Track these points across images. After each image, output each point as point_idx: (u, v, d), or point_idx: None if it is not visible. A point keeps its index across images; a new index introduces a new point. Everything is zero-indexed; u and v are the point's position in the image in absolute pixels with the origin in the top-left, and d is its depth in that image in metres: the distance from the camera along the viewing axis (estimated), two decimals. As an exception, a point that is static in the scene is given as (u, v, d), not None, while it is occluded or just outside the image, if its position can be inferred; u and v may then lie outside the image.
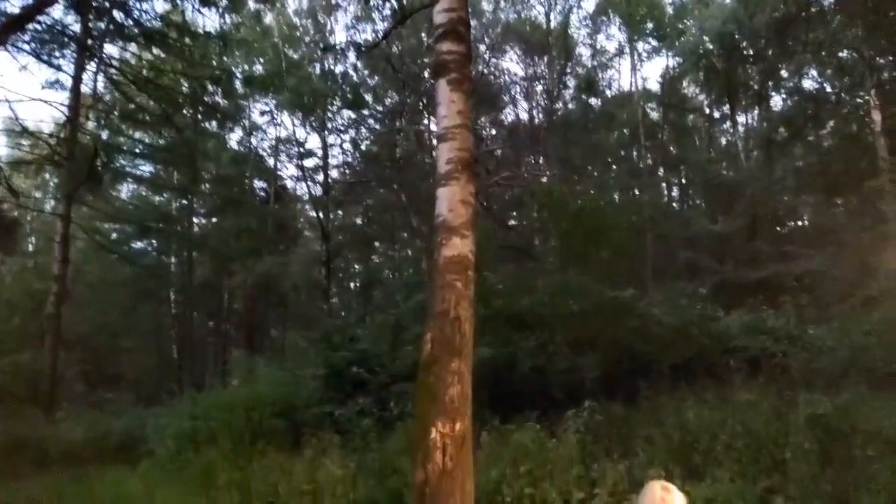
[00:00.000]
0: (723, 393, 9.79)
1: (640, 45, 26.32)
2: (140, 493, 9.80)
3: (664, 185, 26.81)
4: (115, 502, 9.01)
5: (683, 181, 27.63)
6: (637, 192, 21.25)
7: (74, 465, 11.47)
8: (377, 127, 24.94)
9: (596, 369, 11.41)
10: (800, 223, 23.16)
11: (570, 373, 11.62)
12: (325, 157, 25.76)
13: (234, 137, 28.14)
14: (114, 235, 25.38)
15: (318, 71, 25.02)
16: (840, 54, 19.74)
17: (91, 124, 18.65)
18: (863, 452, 6.84)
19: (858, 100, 20.33)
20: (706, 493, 6.51)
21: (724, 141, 28.13)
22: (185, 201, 25.95)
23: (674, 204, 27.26)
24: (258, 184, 27.47)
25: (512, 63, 26.68)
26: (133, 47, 18.66)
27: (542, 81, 26.33)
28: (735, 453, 7.65)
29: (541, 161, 23.39)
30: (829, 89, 22.16)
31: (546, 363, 12.00)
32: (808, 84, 23.12)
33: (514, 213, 23.50)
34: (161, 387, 19.98)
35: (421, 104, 22.53)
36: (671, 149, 27.32)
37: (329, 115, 25.23)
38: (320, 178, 26.44)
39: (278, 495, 8.28)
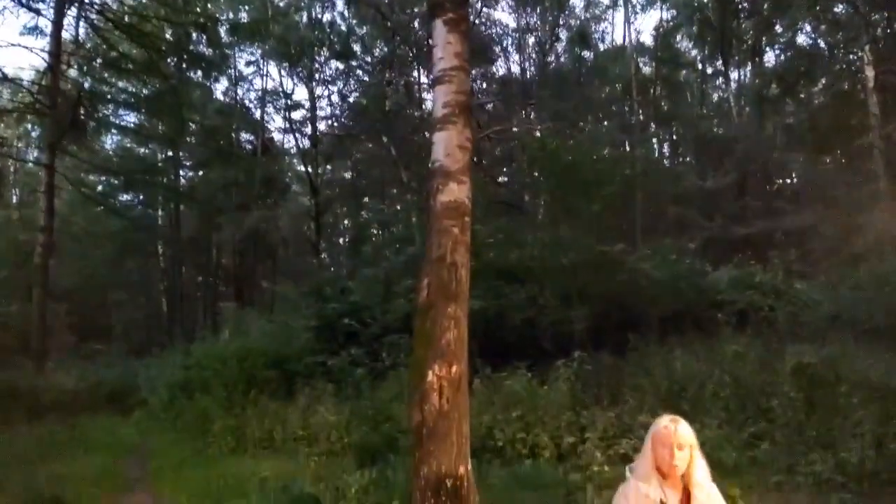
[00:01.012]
0: (710, 344, 9.98)
1: (635, -3, 25.76)
2: (135, 440, 9.92)
3: (655, 141, 26.65)
4: (110, 449, 9.07)
5: (674, 137, 27.52)
6: (628, 147, 21.10)
7: (67, 413, 11.51)
8: (366, 78, 24.43)
9: (585, 321, 11.52)
10: (789, 181, 23.21)
11: (559, 325, 11.73)
12: (313, 109, 25.30)
13: (219, 88, 27.55)
14: (99, 188, 24.96)
15: (304, 19, 24.33)
16: (835, 9, 19.47)
17: (73, 72, 18.08)
18: (847, 400, 7.00)
19: (852, 56, 20.16)
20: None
21: (716, 97, 27.96)
22: (170, 153, 25.45)
23: (664, 161, 27.18)
24: (245, 136, 26.99)
25: (504, 14, 26.12)
26: (115, -9, 17.99)
27: (534, 33, 25.81)
28: (722, 401, 7.83)
29: (532, 116, 23.09)
30: (822, 45, 21.94)
31: (536, 315, 12.11)
32: (802, 40, 22.88)
33: (505, 170, 23.35)
34: (151, 339, 20.03)
35: (411, 54, 22.03)
36: (663, 105, 27.08)
37: (316, 65, 24.66)
38: (308, 130, 26.03)
39: (273, 440, 8.41)
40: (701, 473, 3.08)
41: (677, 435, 3.04)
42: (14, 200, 26.22)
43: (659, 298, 12.39)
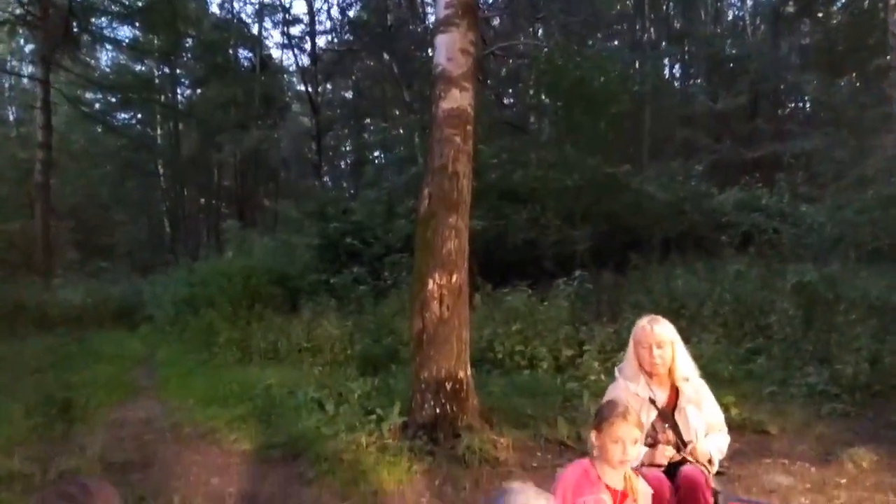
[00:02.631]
0: (713, 264, 10.00)
1: None
2: (142, 352, 10.14)
3: (666, 60, 25.77)
4: (118, 359, 9.28)
5: (686, 57, 26.59)
6: (638, 66, 20.42)
7: (75, 327, 11.73)
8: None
9: (587, 242, 11.51)
10: (801, 104, 22.61)
11: (561, 245, 11.74)
12: (312, 23, 24.27)
13: (215, 1, 26.47)
14: (97, 106, 24.45)
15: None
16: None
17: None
18: (846, 317, 7.05)
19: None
20: (691, 352, 6.75)
21: (730, 15, 26.82)
22: (167, 70, 24.77)
23: (675, 82, 26.39)
24: (243, 53, 26.17)
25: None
26: None
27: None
28: (721, 318, 7.90)
29: (540, 33, 22.21)
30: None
31: (538, 236, 12.09)
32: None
33: (511, 90, 22.69)
34: (155, 259, 20.15)
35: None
36: (676, 23, 26.00)
37: (315, -24, 23.52)
38: (307, 47, 25.16)
39: (278, 352, 8.57)
40: (685, 368, 3.09)
41: (654, 334, 3.04)
42: (11, 118, 25.77)
43: (663, 220, 12.33)
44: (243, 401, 6.26)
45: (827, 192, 13.37)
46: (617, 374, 3.20)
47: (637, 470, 2.88)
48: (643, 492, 2.47)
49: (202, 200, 28.49)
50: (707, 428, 3.06)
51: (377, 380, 6.49)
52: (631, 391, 3.04)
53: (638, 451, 2.47)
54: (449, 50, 5.42)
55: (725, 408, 5.00)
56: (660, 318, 3.11)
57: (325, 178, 26.77)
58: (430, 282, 5.00)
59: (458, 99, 5.39)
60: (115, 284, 16.25)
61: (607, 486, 2.42)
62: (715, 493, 2.89)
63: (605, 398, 3.12)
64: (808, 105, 22.77)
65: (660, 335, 3.01)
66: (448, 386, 4.88)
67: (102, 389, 7.14)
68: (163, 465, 4.78)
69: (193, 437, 5.44)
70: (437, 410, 4.86)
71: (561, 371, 6.72)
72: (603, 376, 5.83)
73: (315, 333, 8.61)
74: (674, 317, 7.95)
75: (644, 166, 15.53)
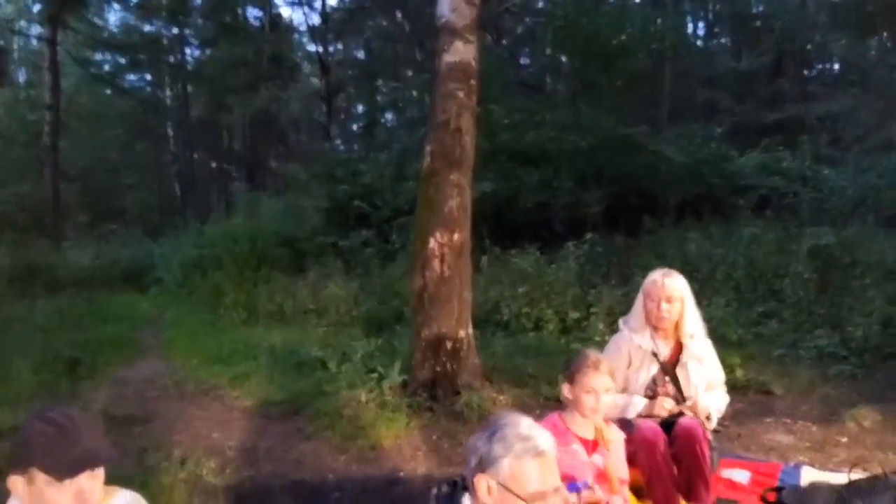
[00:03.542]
0: (728, 228, 9.77)
1: None
2: (150, 313, 10.21)
3: (689, 18, 24.96)
4: (126, 320, 9.34)
5: (710, 16, 25.74)
6: (659, 23, 19.79)
7: (84, 289, 11.78)
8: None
9: (599, 204, 11.29)
10: (827, 65, 21.87)
11: (572, 208, 11.52)
12: (323, -21, 23.78)
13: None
14: (105, 68, 24.29)
15: None
16: None
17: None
18: (861, 281, 6.88)
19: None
20: (701, 314, 6.62)
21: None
22: (175, 30, 24.47)
23: (698, 42, 25.62)
24: (252, 12, 25.71)
25: None
26: None
27: None
28: (734, 282, 7.75)
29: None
30: None
31: (549, 199, 11.87)
32: None
33: (526, 50, 22.15)
34: (165, 222, 20.17)
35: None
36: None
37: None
38: (318, 4, 24.66)
39: (284, 313, 8.57)
40: (692, 325, 3.00)
41: (666, 288, 2.94)
42: (20, 80, 25.70)
43: (679, 183, 12.04)
44: (247, 360, 6.29)
45: (850, 155, 12.96)
46: (622, 325, 3.14)
47: (631, 421, 2.83)
48: (614, 440, 2.44)
49: (212, 164, 28.44)
50: (707, 386, 3.03)
51: (381, 340, 6.47)
52: (634, 343, 2.99)
53: (611, 400, 2.44)
54: (452, 0, 5.20)
55: (731, 369, 4.93)
56: (673, 272, 3.02)
57: (336, 141, 26.55)
58: (432, 240, 4.90)
59: (461, 52, 5.19)
60: (125, 247, 16.30)
61: (577, 437, 2.41)
62: (711, 449, 2.84)
63: (607, 348, 3.06)
64: (835, 66, 22.04)
65: (671, 289, 2.93)
66: (448, 345, 4.82)
67: (109, 348, 7.19)
68: (165, 419, 4.82)
69: (196, 394, 5.48)
70: (437, 369, 4.82)
71: (567, 333, 6.66)
72: (608, 337, 5.74)
73: (321, 295, 8.59)
74: (687, 280, 7.90)
75: (663, 128, 15.14)
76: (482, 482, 1.44)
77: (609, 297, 7.06)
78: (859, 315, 6.07)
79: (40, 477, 1.37)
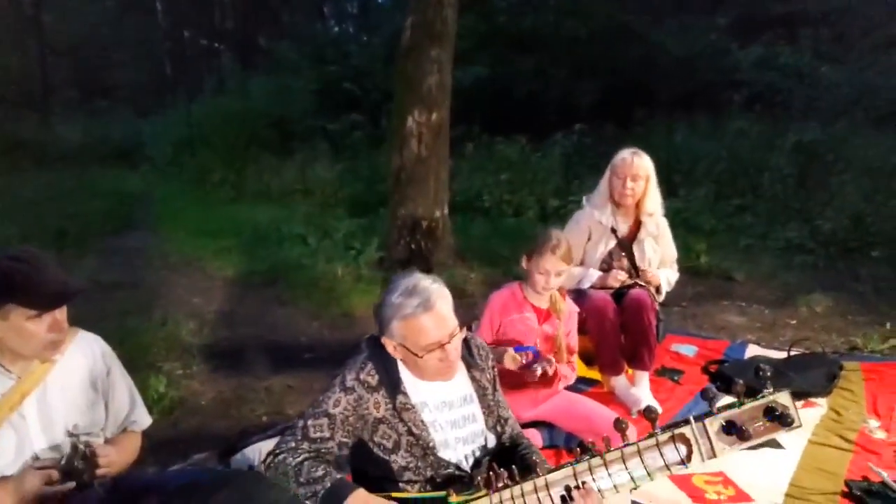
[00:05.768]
0: (717, 123, 9.68)
1: None
2: (139, 189, 10.26)
3: None
4: (115, 195, 9.39)
5: None
6: None
7: (74, 166, 11.73)
8: None
9: (592, 95, 11.09)
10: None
11: (565, 97, 11.32)
12: None
13: None
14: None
15: None
16: None
17: None
18: (840, 178, 6.95)
19: None
20: (676, 205, 6.73)
21: None
22: None
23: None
24: None
25: None
26: None
27: None
28: (714, 175, 7.81)
29: None
30: None
31: (542, 88, 11.62)
32: None
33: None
34: (156, 100, 19.67)
35: None
36: None
37: None
38: None
39: (270, 192, 8.65)
40: (653, 204, 3.12)
41: (633, 166, 3.03)
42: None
43: (674, 76, 11.75)
44: (232, 235, 6.43)
45: (852, 53, 12.56)
46: (585, 202, 3.25)
47: (585, 291, 3.01)
48: (567, 311, 2.58)
49: (203, 42, 27.31)
50: (661, 262, 3.18)
51: (364, 221, 6.60)
52: (594, 218, 3.10)
53: (562, 282, 2.53)
54: None
55: (696, 255, 5.11)
56: (642, 152, 3.08)
57: (330, 21, 25.33)
58: (410, 119, 4.89)
59: (448, -83, 4.92)
60: (115, 124, 16.03)
61: (532, 306, 2.55)
62: (658, 319, 3.03)
63: (568, 224, 3.18)
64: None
65: (637, 168, 3.01)
66: (424, 224, 4.95)
67: (98, 221, 7.33)
68: (149, 286, 5.01)
69: (180, 264, 5.66)
70: (413, 247, 4.97)
71: (545, 220, 6.78)
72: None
73: (308, 176, 8.64)
74: (668, 171, 7.96)
75: (664, 17, 14.51)
76: (388, 344, 1.60)
77: (591, 187, 7.11)
78: (832, 210, 6.19)
79: (18, 311, 1.41)
